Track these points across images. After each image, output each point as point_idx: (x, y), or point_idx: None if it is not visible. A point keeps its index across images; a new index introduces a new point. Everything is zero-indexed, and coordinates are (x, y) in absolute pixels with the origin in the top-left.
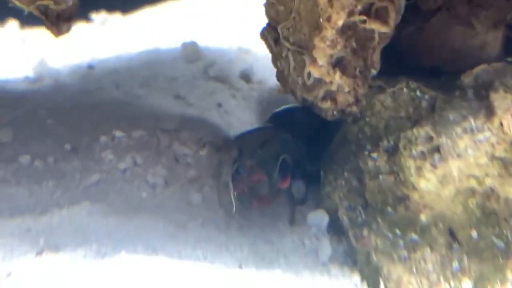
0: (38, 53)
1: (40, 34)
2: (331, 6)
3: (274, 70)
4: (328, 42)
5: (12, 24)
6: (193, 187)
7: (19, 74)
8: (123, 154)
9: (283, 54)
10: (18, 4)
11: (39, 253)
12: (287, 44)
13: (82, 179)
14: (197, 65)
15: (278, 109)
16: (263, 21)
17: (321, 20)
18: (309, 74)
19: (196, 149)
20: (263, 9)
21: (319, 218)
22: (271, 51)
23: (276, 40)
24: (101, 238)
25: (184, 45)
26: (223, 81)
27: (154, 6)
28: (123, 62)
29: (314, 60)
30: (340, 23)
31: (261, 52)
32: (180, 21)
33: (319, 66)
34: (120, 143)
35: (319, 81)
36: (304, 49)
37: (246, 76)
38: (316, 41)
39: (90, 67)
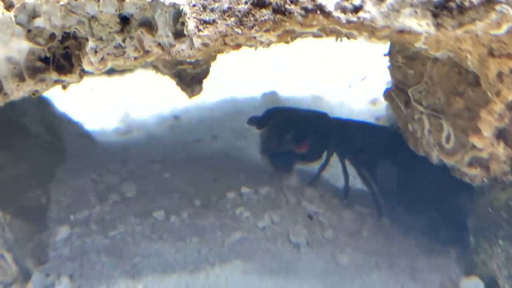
0: (112, 101)
1: (104, 82)
2: (501, 81)
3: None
4: (496, 116)
5: None
6: (336, 247)
7: (104, 125)
8: (258, 212)
9: (416, 117)
10: (162, 69)
11: None
12: (420, 108)
13: (224, 236)
14: None
15: None
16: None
17: (489, 94)
18: (448, 138)
19: (325, 207)
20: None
21: (473, 285)
22: (400, 112)
23: (407, 102)
24: None
25: (265, 95)
26: None
27: None
28: (205, 111)
29: (478, 131)
30: (511, 98)
31: (331, 99)
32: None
33: (484, 137)
34: (249, 200)
35: (462, 146)
36: (440, 113)
37: None
38: (483, 113)
39: (176, 117)
